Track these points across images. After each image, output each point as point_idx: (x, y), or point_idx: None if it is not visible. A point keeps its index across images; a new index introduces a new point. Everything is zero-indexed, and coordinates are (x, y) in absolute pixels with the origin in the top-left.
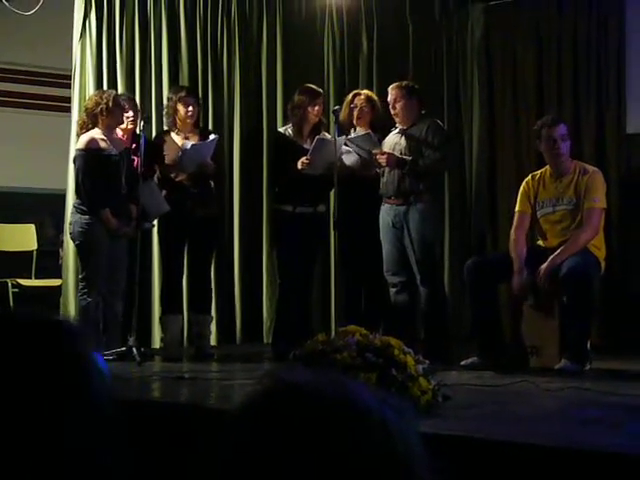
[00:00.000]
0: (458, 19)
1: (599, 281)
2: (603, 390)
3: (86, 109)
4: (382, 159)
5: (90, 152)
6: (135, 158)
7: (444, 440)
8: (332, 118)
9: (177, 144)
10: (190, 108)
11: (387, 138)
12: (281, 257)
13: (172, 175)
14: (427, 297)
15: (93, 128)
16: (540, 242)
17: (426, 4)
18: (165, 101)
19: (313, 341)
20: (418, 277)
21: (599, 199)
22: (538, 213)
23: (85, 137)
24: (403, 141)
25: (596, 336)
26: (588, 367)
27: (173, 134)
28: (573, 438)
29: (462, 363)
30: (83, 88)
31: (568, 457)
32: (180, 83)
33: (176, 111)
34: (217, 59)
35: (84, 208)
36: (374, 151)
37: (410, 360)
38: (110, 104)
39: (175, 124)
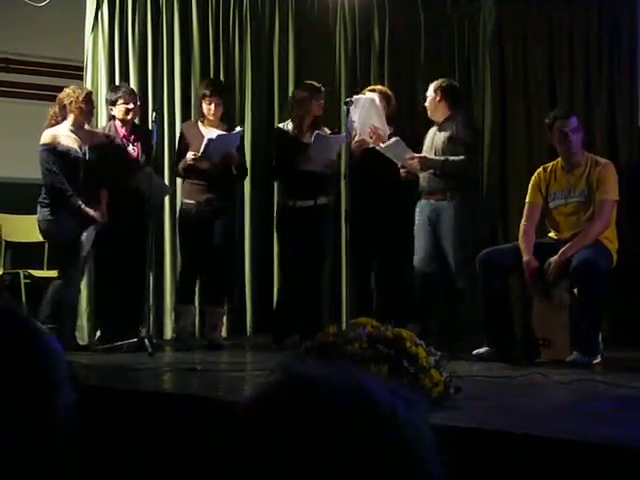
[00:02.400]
0: (470, 11)
1: (611, 274)
2: (614, 382)
3: (58, 101)
4: (414, 163)
5: (51, 147)
6: (135, 148)
7: (456, 432)
8: (344, 110)
9: (202, 134)
10: (212, 106)
11: (429, 133)
12: (283, 250)
13: (195, 163)
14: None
15: (63, 121)
16: (552, 234)
17: None
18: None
19: (324, 333)
20: (453, 271)
21: (611, 191)
22: (550, 205)
23: (48, 132)
24: (439, 137)
25: (607, 328)
26: (599, 359)
27: (200, 125)
28: (584, 431)
29: (474, 352)
30: (95, 80)
31: (579, 450)
32: (192, 77)
33: (201, 106)
34: (229, 53)
35: (47, 202)
36: (407, 156)
37: (422, 352)
38: (80, 100)
39: (202, 116)
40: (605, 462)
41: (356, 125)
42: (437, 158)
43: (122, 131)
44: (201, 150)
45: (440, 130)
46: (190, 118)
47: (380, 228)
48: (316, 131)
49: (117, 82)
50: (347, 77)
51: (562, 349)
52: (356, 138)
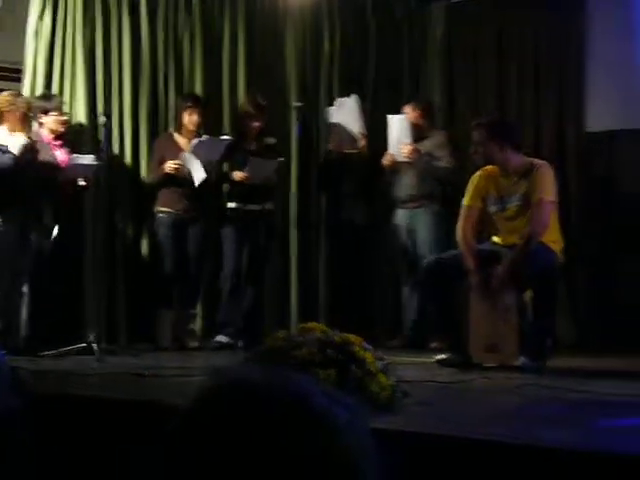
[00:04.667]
0: (420, 18)
1: (560, 276)
2: (562, 387)
3: None
4: (407, 151)
5: None
6: (61, 153)
7: (402, 437)
8: (293, 115)
9: (179, 145)
10: (194, 117)
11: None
12: (226, 252)
13: (176, 172)
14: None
15: None
16: (495, 238)
17: (388, 2)
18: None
19: (273, 337)
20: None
21: (548, 192)
22: (490, 209)
23: None
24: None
25: (556, 333)
26: (547, 364)
27: (177, 136)
28: (531, 435)
29: (437, 358)
30: (33, 84)
31: (525, 454)
32: (140, 83)
33: (182, 117)
34: (178, 59)
35: None
36: (405, 141)
37: (370, 356)
38: (19, 109)
39: (180, 127)
40: (552, 466)
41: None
42: (425, 158)
43: (49, 138)
44: (190, 150)
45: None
46: (138, 124)
47: (355, 234)
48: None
49: (55, 88)
50: (296, 82)
51: (510, 354)
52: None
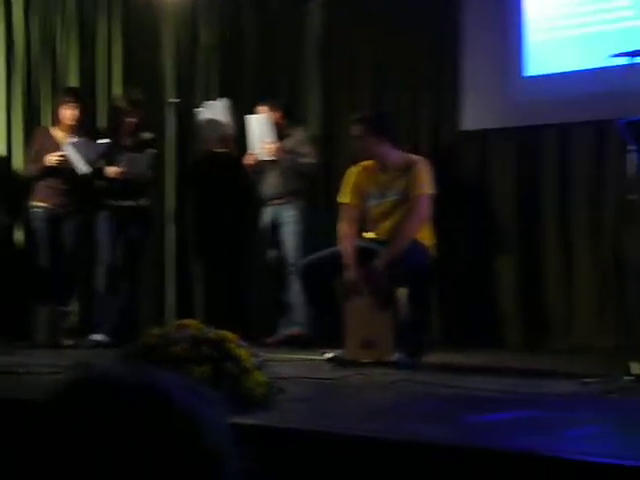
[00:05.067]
0: (298, 13)
1: (432, 272)
2: (435, 383)
3: None
4: (270, 148)
5: None
6: None
7: (277, 433)
8: (169, 110)
9: (56, 140)
10: (69, 112)
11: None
12: (101, 249)
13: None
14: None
15: None
16: (371, 234)
17: None
18: None
19: (148, 334)
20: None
21: (425, 186)
22: (367, 204)
23: None
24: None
25: (431, 329)
26: (422, 360)
27: (54, 130)
28: (404, 430)
29: (326, 356)
30: None
31: (399, 449)
32: (13, 77)
33: (60, 111)
34: (53, 53)
35: None
36: (267, 140)
37: (245, 353)
38: None
39: (58, 121)
40: (425, 460)
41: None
42: (289, 155)
43: None
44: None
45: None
46: (10, 118)
47: (223, 231)
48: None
49: None
50: (173, 78)
51: (386, 350)
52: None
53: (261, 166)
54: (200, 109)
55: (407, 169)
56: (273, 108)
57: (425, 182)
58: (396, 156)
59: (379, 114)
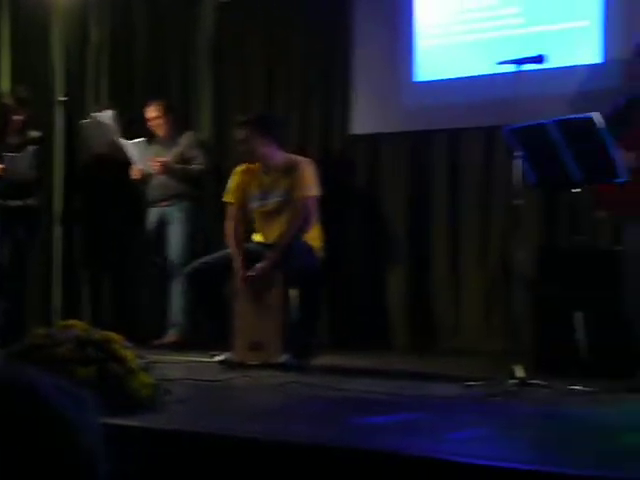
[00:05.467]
0: (190, 14)
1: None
2: (323, 385)
3: None
4: (156, 166)
5: None
6: None
7: (163, 435)
8: (58, 109)
9: None
10: None
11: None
12: None
13: None
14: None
15: None
16: (257, 236)
17: None
18: None
19: (33, 335)
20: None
21: (311, 188)
22: (251, 206)
23: None
24: (168, 153)
25: (320, 331)
26: (310, 362)
27: None
28: (289, 432)
29: (216, 359)
30: None
31: (282, 450)
32: None
33: None
34: None
35: None
36: (149, 158)
37: (130, 355)
38: None
39: None
40: (308, 462)
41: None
42: (178, 166)
43: None
44: None
45: (167, 147)
46: None
47: (111, 233)
48: None
49: None
50: (63, 77)
51: (274, 352)
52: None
53: (147, 178)
54: (87, 120)
55: (290, 170)
56: (157, 108)
57: (310, 184)
58: (280, 157)
59: (263, 116)
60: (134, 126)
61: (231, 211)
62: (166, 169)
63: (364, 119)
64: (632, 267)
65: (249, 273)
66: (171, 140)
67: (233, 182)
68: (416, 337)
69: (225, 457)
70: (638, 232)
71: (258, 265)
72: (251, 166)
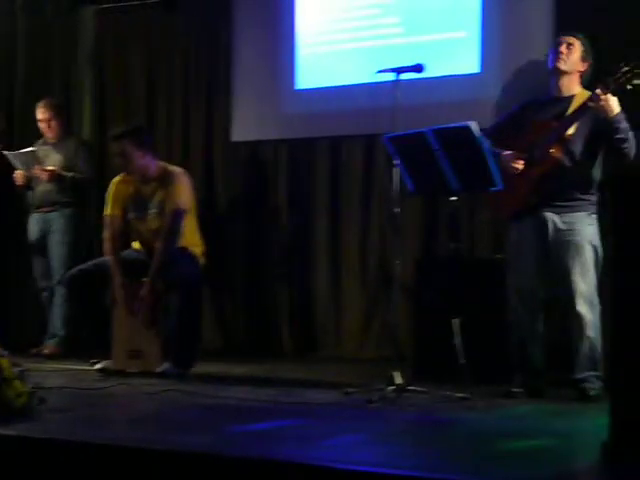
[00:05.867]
0: (70, 21)
1: (202, 280)
2: (202, 393)
3: None
4: (44, 175)
5: None
6: None
7: (38, 443)
8: None
9: None
10: None
11: (37, 151)
12: None
13: None
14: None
15: None
16: (136, 245)
17: (38, 4)
18: None
19: None
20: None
21: (181, 201)
22: (129, 216)
23: None
24: (57, 155)
25: (202, 339)
26: (192, 370)
27: None
28: (166, 440)
29: (96, 367)
30: None
31: (160, 458)
32: None
33: None
34: None
35: None
36: (37, 167)
37: (5, 362)
38: None
39: None
40: (188, 470)
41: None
42: (67, 174)
43: None
44: None
45: (56, 149)
46: None
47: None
48: None
49: None
50: None
51: (153, 360)
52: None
53: (33, 183)
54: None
55: (165, 181)
56: (46, 108)
57: (181, 196)
58: (156, 167)
59: (136, 127)
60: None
61: (109, 223)
62: (54, 177)
63: (245, 126)
64: (513, 265)
65: (136, 303)
66: (60, 142)
67: (110, 193)
68: (298, 344)
69: (100, 465)
70: (520, 231)
71: (141, 293)
72: (128, 177)
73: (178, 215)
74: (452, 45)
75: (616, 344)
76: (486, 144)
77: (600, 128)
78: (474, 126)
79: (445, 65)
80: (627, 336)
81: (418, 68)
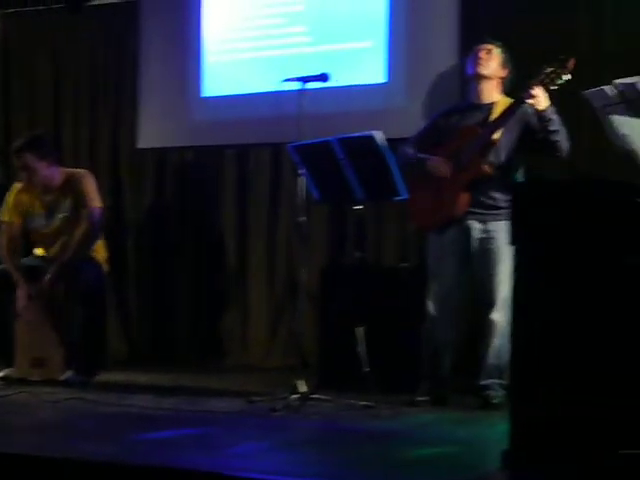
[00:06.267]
0: None
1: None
2: (105, 401)
3: None
4: None
5: None
6: None
7: None
8: None
9: None
10: None
11: None
12: None
13: None
14: None
15: None
16: (39, 250)
17: None
18: None
19: None
20: None
21: (93, 200)
22: (34, 225)
23: None
24: None
25: (106, 347)
26: (95, 379)
27: None
28: (66, 448)
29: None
30: None
31: (58, 467)
32: None
33: None
34: None
35: None
36: None
37: None
38: None
39: None
40: (92, 478)
41: None
42: None
43: None
44: None
45: None
46: None
47: None
48: None
49: None
50: None
51: (56, 368)
52: None
53: None
54: None
55: (71, 185)
56: None
57: (92, 195)
58: (59, 175)
59: (36, 137)
60: None
61: (6, 230)
62: None
63: (151, 133)
64: (434, 272)
65: (32, 291)
66: None
67: (8, 201)
68: (204, 352)
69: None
70: (442, 239)
71: (43, 279)
72: (30, 186)
73: (97, 213)
74: (358, 54)
75: (516, 352)
76: (390, 154)
77: (530, 127)
78: (378, 136)
79: (352, 74)
80: (526, 344)
81: (323, 77)
